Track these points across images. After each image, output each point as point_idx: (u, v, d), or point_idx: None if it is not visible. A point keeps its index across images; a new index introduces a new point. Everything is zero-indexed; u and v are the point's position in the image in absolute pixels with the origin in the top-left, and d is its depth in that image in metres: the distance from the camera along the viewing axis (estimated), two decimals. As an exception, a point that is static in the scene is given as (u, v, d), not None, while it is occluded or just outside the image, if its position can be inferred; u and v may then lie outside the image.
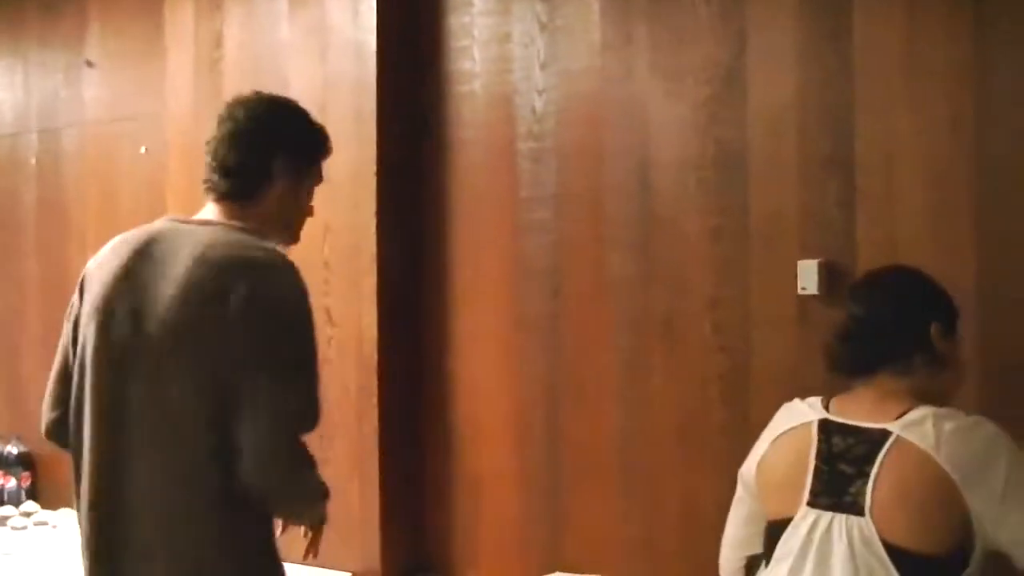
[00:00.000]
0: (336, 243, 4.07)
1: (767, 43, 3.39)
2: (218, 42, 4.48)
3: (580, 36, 3.75)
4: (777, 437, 2.50)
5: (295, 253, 3.82)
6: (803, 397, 2.54)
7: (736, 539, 2.65)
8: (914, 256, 2.99)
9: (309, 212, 2.82)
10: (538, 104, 3.83)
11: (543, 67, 3.83)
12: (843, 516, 2.29)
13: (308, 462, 2.56)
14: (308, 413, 2.53)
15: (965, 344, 2.64)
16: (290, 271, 2.57)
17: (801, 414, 2.48)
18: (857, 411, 2.40)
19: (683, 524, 3.52)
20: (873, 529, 2.25)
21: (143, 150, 4.75)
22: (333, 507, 3.74)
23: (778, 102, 3.37)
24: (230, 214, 2.64)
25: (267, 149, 2.66)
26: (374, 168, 3.98)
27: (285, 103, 2.81)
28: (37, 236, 5.14)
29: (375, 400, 3.97)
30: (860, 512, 2.27)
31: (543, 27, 3.82)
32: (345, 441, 4.04)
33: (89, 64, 4.97)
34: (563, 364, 3.78)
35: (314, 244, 4.03)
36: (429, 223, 4.06)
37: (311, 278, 3.92)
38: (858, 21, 3.25)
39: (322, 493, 2.68)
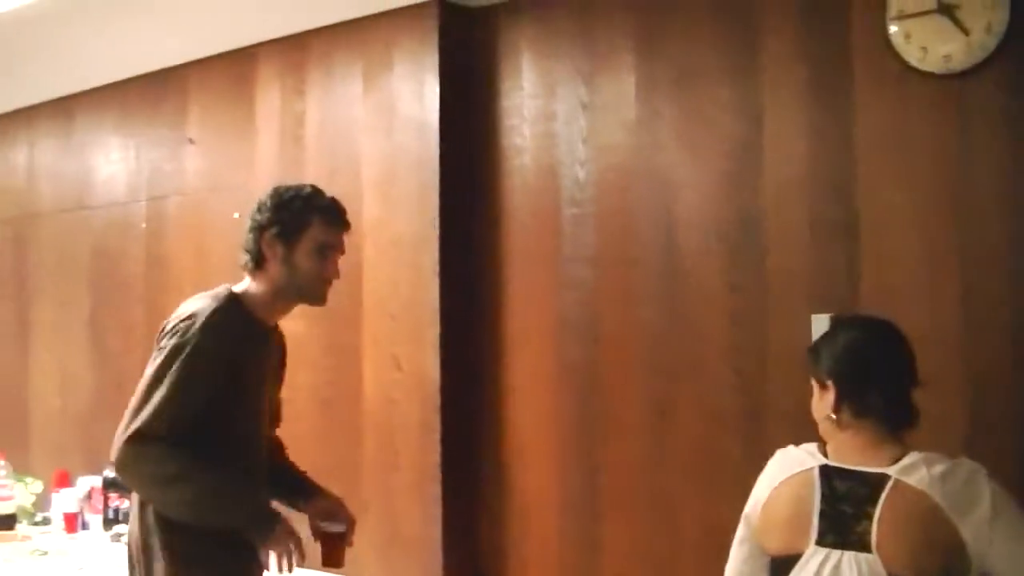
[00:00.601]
0: (402, 298, 4.32)
1: (780, 121, 3.59)
2: (300, 121, 4.77)
3: (616, 114, 3.96)
4: (781, 483, 2.58)
5: (367, 306, 4.20)
6: (811, 438, 2.69)
7: (740, 574, 2.73)
8: (910, 306, 3.22)
9: (322, 275, 3.18)
10: (580, 174, 4.03)
11: (584, 142, 4.03)
12: (851, 553, 2.39)
13: (147, 455, 2.94)
14: (143, 415, 2.93)
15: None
16: (200, 316, 3.01)
17: (800, 461, 2.58)
18: (852, 456, 2.51)
19: (703, 546, 3.66)
20: (880, 564, 2.36)
21: (236, 216, 4.96)
22: (400, 527, 4.08)
23: (790, 172, 3.56)
24: (246, 282, 3.19)
25: (256, 230, 3.15)
26: (436, 232, 4.21)
27: (275, 190, 3.22)
28: (144, 288, 5.38)
29: (437, 435, 4.17)
30: (867, 549, 2.38)
31: (584, 107, 4.04)
32: (410, 471, 4.27)
33: (191, 141, 5.29)
34: (599, 403, 3.95)
35: (382, 299, 4.37)
36: (484, 280, 4.27)
37: (380, 329, 4.35)
38: (859, 104, 3.44)
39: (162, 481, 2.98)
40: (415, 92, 4.36)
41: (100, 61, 5.45)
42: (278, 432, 3.51)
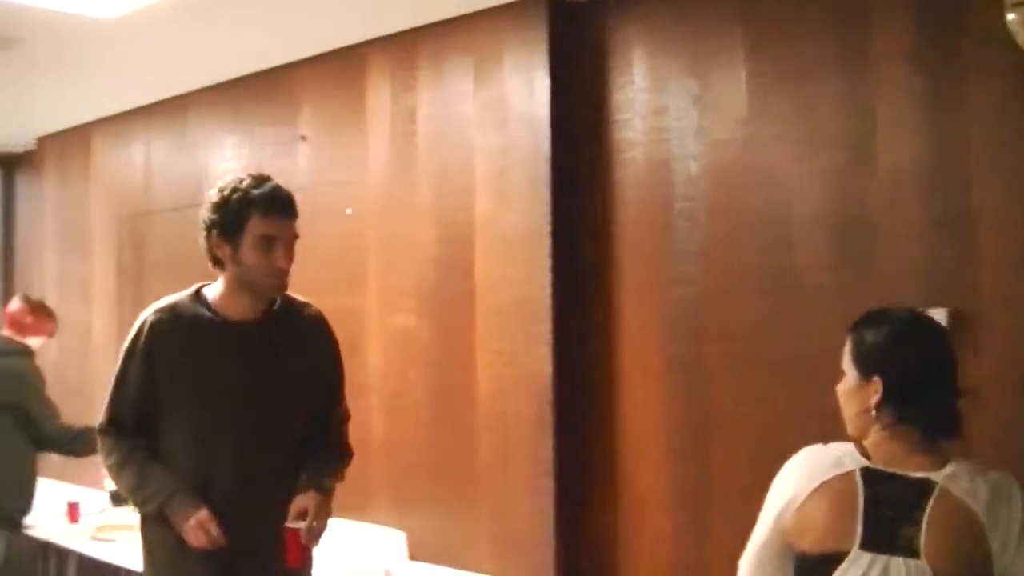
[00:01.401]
0: (514, 294, 4.39)
1: (892, 115, 3.55)
2: (412, 117, 4.87)
3: (727, 109, 3.96)
4: (820, 484, 2.47)
5: (479, 301, 4.28)
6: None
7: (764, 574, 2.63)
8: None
9: (269, 268, 3.18)
10: (692, 168, 4.04)
11: (695, 136, 4.03)
12: (899, 559, 2.34)
13: (102, 446, 3.32)
14: (102, 411, 3.29)
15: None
16: (140, 319, 3.29)
17: (838, 462, 2.48)
18: (894, 460, 2.44)
19: None
20: (928, 570, 2.32)
21: (348, 211, 5.18)
22: (512, 522, 4.14)
23: (903, 168, 3.52)
24: (218, 280, 3.30)
25: (204, 231, 3.22)
26: (548, 227, 4.27)
27: (216, 189, 3.22)
28: None
29: (549, 430, 4.23)
30: (916, 555, 2.33)
31: (695, 101, 4.04)
32: (521, 466, 4.35)
33: (303, 138, 5.44)
34: (707, 398, 3.97)
35: (493, 293, 4.47)
36: (594, 274, 4.29)
37: (492, 324, 4.43)
38: (973, 96, 3.38)
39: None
40: (526, 87, 4.42)
41: (213, 61, 5.60)
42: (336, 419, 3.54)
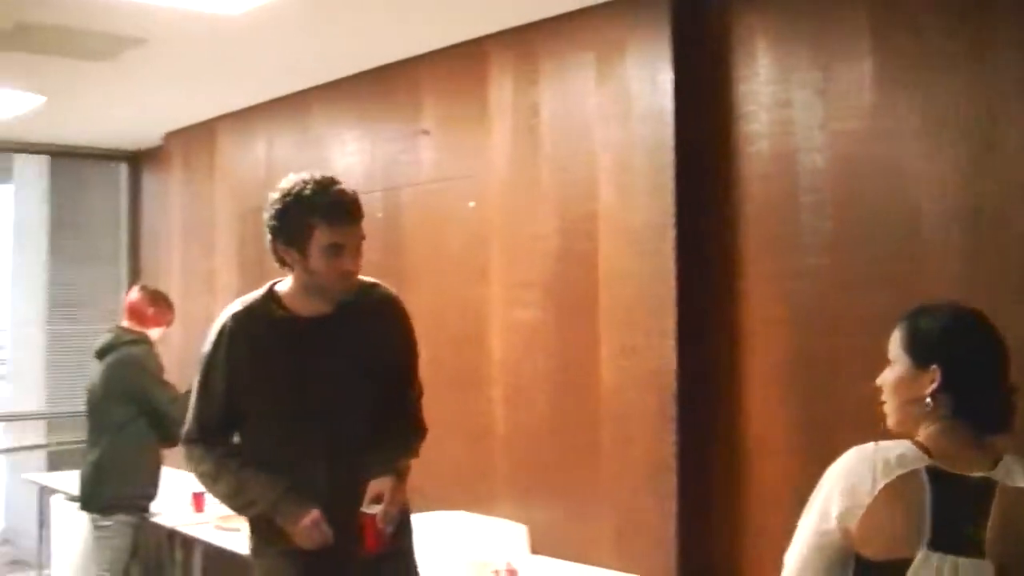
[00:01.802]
0: (634, 287, 4.40)
1: (1021, 106, 3.49)
2: (534, 111, 4.92)
3: (852, 101, 3.91)
4: (885, 485, 2.36)
5: (603, 294, 4.30)
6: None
7: None
8: None
9: (337, 273, 3.19)
10: (817, 161, 4.01)
11: (821, 128, 4.00)
12: (966, 559, 2.30)
13: (191, 456, 3.38)
14: (186, 422, 3.38)
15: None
16: (214, 327, 3.35)
17: (901, 460, 2.38)
18: (952, 456, 2.38)
19: None
20: (992, 570, 2.29)
21: (471, 205, 5.25)
22: (635, 516, 4.16)
23: None
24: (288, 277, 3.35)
25: (269, 235, 3.27)
26: (672, 220, 4.26)
27: (278, 193, 3.24)
28: (380, 277, 5.43)
29: (673, 425, 4.23)
30: (982, 555, 2.30)
31: (820, 93, 4.01)
32: (643, 460, 4.36)
33: (425, 132, 5.52)
34: (835, 394, 3.91)
35: (617, 285, 4.49)
36: (719, 267, 4.28)
37: (616, 317, 4.44)
38: None
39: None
40: (649, 80, 4.42)
41: (336, 56, 5.71)
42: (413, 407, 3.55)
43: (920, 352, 2.46)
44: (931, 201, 3.73)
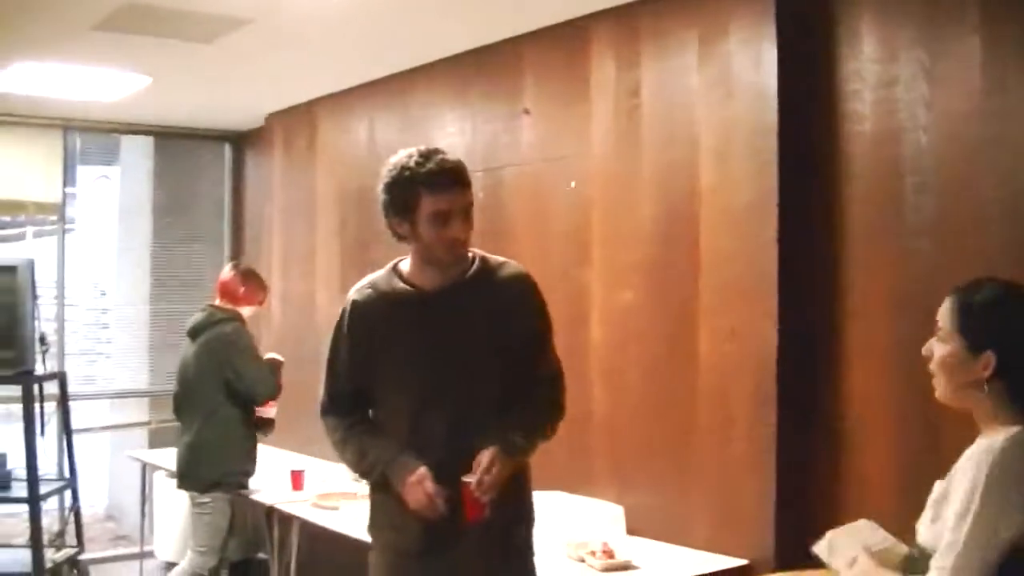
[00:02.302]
0: (740, 267, 4.41)
1: None
2: (635, 91, 4.93)
3: (960, 81, 3.86)
4: None
5: (704, 274, 4.30)
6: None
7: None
8: None
9: (444, 241, 3.26)
10: (922, 141, 3.97)
11: (927, 107, 3.95)
12: None
13: (326, 425, 3.53)
14: (321, 394, 3.52)
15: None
16: (347, 302, 3.47)
17: None
18: None
19: None
20: None
21: (572, 185, 5.28)
22: (732, 499, 4.15)
23: None
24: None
25: (382, 211, 3.33)
26: (775, 200, 4.26)
27: (386, 169, 3.31)
28: None
29: (773, 407, 4.23)
30: None
31: (926, 73, 3.96)
32: (743, 443, 4.37)
33: (526, 112, 5.56)
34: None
35: (718, 267, 4.50)
36: (821, 249, 4.26)
37: (716, 297, 4.46)
38: None
39: None
40: (752, 59, 4.42)
41: (436, 36, 5.78)
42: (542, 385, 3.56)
43: (974, 335, 2.50)
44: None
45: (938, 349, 2.55)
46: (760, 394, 4.31)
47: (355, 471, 3.54)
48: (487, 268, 3.44)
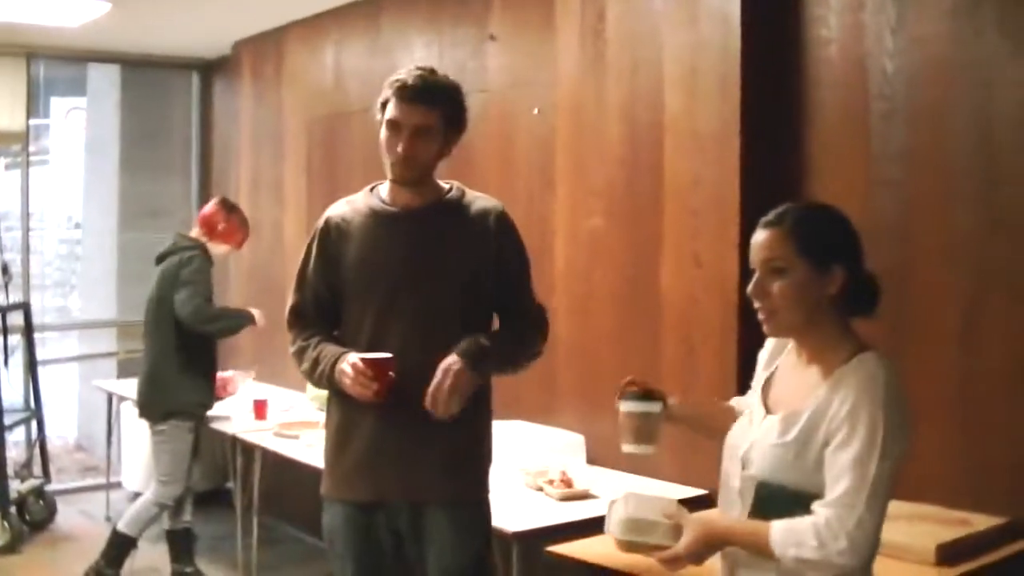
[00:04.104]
0: (704, 193, 4.36)
1: None
2: (601, 15, 4.85)
3: (929, 3, 3.81)
4: None
5: (668, 201, 4.27)
6: None
7: None
8: None
9: (392, 152, 3.29)
10: (889, 67, 3.92)
11: (894, 32, 3.89)
12: None
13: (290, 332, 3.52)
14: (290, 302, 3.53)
15: None
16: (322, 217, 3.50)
17: None
18: None
19: (1013, 464, 3.62)
20: None
21: (536, 111, 5.23)
22: (677, 434, 4.16)
23: None
24: None
25: None
26: (738, 126, 4.21)
27: None
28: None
29: (735, 335, 4.20)
30: None
31: (894, -6, 3.91)
32: (706, 372, 4.35)
33: (492, 38, 5.51)
34: (907, 310, 3.82)
35: (683, 194, 4.45)
36: (787, 177, 4.20)
37: (681, 224, 4.42)
38: None
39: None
40: (718, -19, 4.35)
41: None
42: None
43: (819, 253, 2.47)
44: (1015, 108, 3.64)
45: (778, 281, 2.47)
46: (723, 324, 4.28)
47: (309, 379, 3.51)
48: (464, 198, 3.47)
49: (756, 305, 2.53)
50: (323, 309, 3.48)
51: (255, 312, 6.08)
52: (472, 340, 3.31)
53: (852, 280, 2.47)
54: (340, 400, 3.41)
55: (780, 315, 2.49)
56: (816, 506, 2.35)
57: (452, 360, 3.25)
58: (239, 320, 6.03)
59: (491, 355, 3.34)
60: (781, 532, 2.35)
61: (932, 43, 3.86)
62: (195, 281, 5.78)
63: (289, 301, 3.53)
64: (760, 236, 2.53)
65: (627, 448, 2.70)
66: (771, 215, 2.54)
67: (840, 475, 2.33)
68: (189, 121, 8.81)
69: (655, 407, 2.70)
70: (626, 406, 2.70)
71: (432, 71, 3.35)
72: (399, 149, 3.27)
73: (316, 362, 3.38)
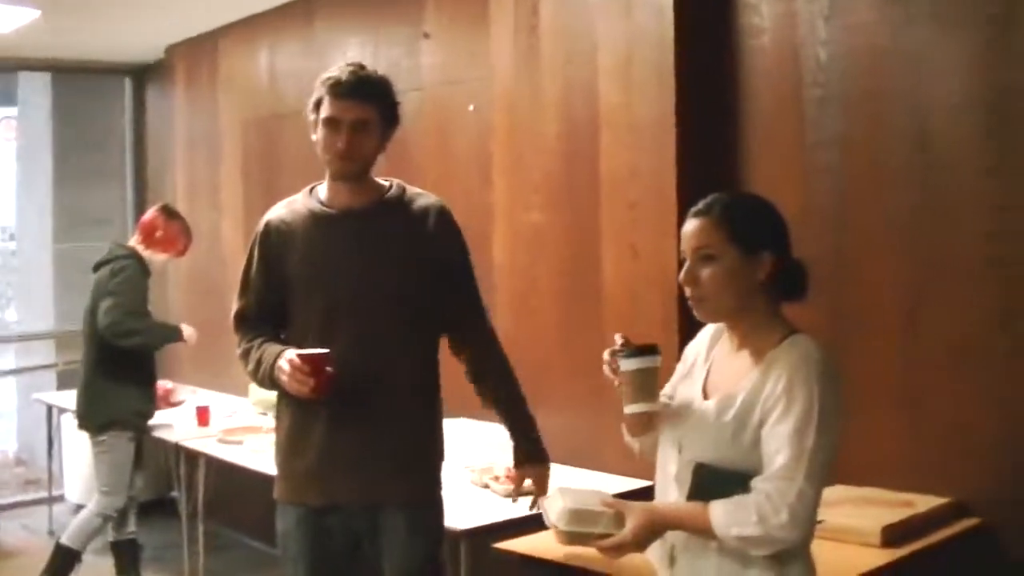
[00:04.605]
0: (641, 185, 4.35)
1: None
2: (534, 10, 4.82)
3: (860, -10, 3.84)
4: None
5: (605, 193, 4.27)
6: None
7: None
8: None
9: (328, 149, 3.29)
10: (822, 54, 3.94)
11: (826, 20, 3.92)
12: None
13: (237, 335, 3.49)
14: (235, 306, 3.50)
15: None
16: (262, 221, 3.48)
17: None
18: None
19: (954, 446, 3.65)
20: None
21: (471, 108, 5.23)
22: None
23: None
24: None
25: None
26: (674, 117, 4.20)
27: None
28: None
29: (675, 325, 4.13)
30: None
31: (825, -18, 3.93)
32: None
33: (426, 36, 5.49)
34: (846, 296, 3.86)
35: (620, 186, 4.44)
36: (724, 166, 4.22)
37: (618, 217, 4.39)
38: None
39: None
40: (649, -27, 4.34)
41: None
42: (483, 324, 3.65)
43: (749, 240, 2.49)
44: (947, 93, 3.67)
45: (708, 268, 2.51)
46: (663, 315, 4.26)
47: (254, 380, 3.47)
48: (405, 195, 3.45)
49: (688, 292, 2.56)
50: (267, 312, 3.45)
51: (185, 329, 6.01)
52: (522, 442, 3.55)
53: (780, 266, 2.51)
54: (290, 403, 3.39)
55: (710, 301, 2.53)
56: (756, 482, 2.37)
57: (532, 473, 3.53)
58: (163, 335, 5.94)
59: (535, 432, 3.60)
60: (721, 511, 2.37)
61: (864, 31, 3.88)
62: (119, 292, 5.68)
63: (234, 306, 3.51)
64: (690, 225, 2.56)
65: (633, 408, 2.63)
66: (700, 204, 2.57)
67: (778, 449, 2.36)
68: (123, 127, 8.70)
69: (656, 360, 2.64)
70: (628, 363, 2.62)
71: (362, 66, 3.34)
72: (340, 145, 3.26)
73: (259, 363, 3.35)
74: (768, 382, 2.42)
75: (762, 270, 2.48)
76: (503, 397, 3.59)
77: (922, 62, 3.74)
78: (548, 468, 3.57)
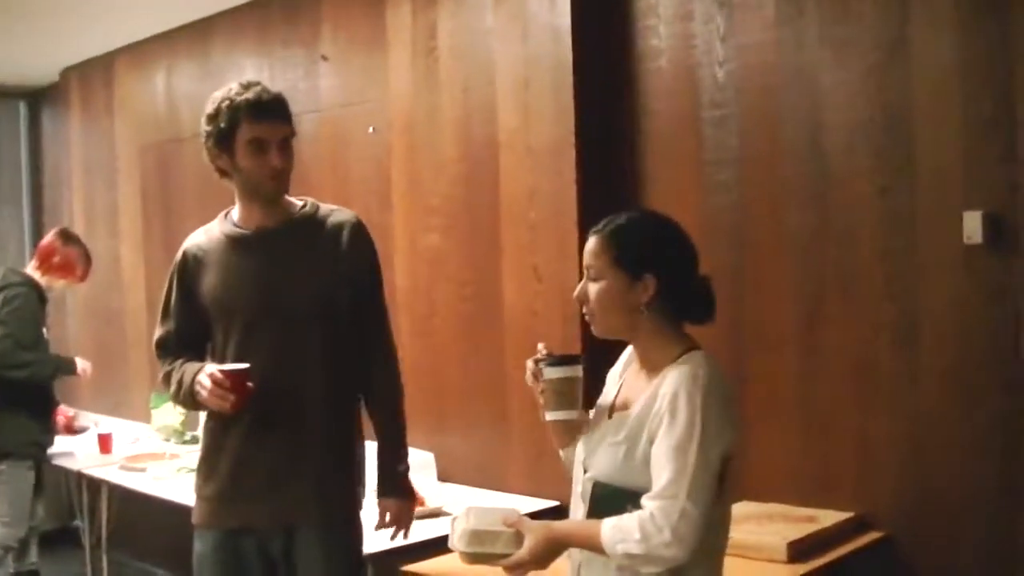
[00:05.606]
0: (541, 207, 4.33)
1: (929, 12, 3.46)
2: (432, 33, 4.80)
3: (755, 12, 3.87)
4: None
5: (505, 216, 4.22)
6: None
7: None
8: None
9: (263, 170, 3.21)
10: (719, 75, 3.97)
11: (722, 41, 3.95)
12: None
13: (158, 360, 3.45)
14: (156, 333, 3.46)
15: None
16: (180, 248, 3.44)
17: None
18: None
19: (856, 460, 3.68)
20: None
21: (371, 130, 5.15)
22: (545, 443, 4.09)
23: (941, 68, 3.44)
24: None
25: (204, 145, 3.27)
26: (573, 138, 4.19)
27: (209, 101, 3.26)
28: None
29: (578, 347, 4.02)
30: None
31: (721, 5, 3.95)
32: (552, 384, 4.32)
33: (324, 58, 5.41)
34: (746, 312, 3.88)
35: (520, 208, 4.40)
36: (624, 186, 4.21)
37: (518, 239, 4.35)
38: None
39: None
40: (546, -4, 4.32)
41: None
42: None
43: (632, 264, 2.49)
44: (839, 113, 3.71)
45: (594, 288, 2.53)
46: (567, 334, 4.21)
47: (175, 402, 3.44)
48: (319, 212, 3.40)
49: (583, 309, 2.57)
50: (188, 339, 3.40)
51: (79, 362, 5.87)
52: (387, 474, 3.46)
53: (666, 289, 2.48)
54: (208, 424, 3.38)
55: (597, 319, 2.56)
56: (644, 499, 2.35)
57: (391, 507, 3.45)
58: (55, 367, 5.78)
59: (403, 465, 3.50)
60: (610, 529, 2.35)
61: (759, 51, 3.90)
62: (9, 322, 5.51)
63: (156, 333, 3.46)
64: (588, 243, 2.57)
65: (552, 416, 2.64)
66: (600, 223, 2.57)
67: (662, 466, 2.34)
68: (18, 152, 8.47)
69: (578, 370, 2.65)
70: (551, 372, 2.63)
71: (259, 82, 3.28)
72: (275, 164, 3.21)
73: (180, 383, 3.30)
74: (656, 399, 2.40)
75: (645, 293, 2.47)
76: (380, 422, 3.50)
77: (816, 83, 3.77)
78: (410, 504, 3.53)
